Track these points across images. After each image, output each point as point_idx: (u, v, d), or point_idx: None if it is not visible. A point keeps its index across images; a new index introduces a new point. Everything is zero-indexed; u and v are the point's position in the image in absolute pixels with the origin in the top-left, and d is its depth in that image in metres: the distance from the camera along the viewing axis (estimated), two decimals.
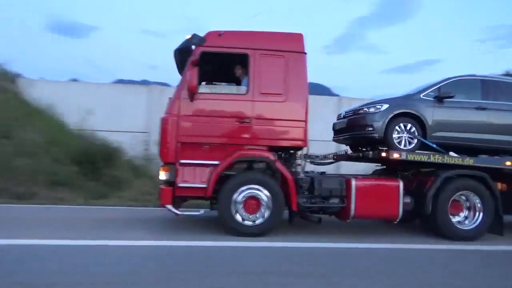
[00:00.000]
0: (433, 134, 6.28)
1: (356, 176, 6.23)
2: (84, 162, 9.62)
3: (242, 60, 5.92)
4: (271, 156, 5.78)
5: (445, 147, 6.39)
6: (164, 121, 5.69)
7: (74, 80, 15.56)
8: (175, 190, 5.58)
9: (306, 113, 5.86)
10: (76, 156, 9.72)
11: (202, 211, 5.77)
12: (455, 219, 6.07)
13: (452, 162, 6.19)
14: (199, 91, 5.62)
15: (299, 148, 6.11)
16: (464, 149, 6.51)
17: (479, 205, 6.04)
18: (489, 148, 6.57)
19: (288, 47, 5.98)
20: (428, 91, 6.47)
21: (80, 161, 9.64)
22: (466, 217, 6.17)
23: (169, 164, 5.66)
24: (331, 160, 7.46)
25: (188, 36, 5.80)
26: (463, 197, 6.13)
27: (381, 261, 4.64)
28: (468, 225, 6.10)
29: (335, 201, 5.89)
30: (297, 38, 6.07)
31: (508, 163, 6.27)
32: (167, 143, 5.67)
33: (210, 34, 5.95)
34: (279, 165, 5.81)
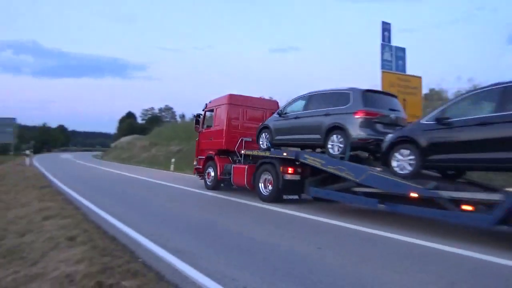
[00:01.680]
0: (275, 138, 9.51)
1: (237, 163, 10.82)
2: None
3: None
4: (213, 153, 11.56)
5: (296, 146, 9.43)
6: (196, 141, 13.09)
7: None
8: (197, 168, 12.66)
9: (225, 133, 11.10)
10: None
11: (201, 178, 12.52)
12: (263, 188, 9.39)
13: (262, 154, 9.69)
14: (198, 130, 12.82)
15: (228, 150, 11.21)
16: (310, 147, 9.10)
17: (271, 180, 9.09)
18: (310, 145, 8.95)
19: (223, 102, 11.44)
20: (279, 109, 9.87)
21: None
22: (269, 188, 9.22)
23: (196, 158, 12.81)
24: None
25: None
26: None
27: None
28: (266, 192, 9.26)
29: (230, 176, 10.66)
30: (227, 96, 11.36)
31: (284, 154, 8.93)
32: (196, 149, 12.92)
33: (208, 102, 12.38)
34: (216, 158, 11.38)
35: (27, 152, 27.70)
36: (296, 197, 9.23)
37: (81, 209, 7.69)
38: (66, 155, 48.84)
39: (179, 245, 4.95)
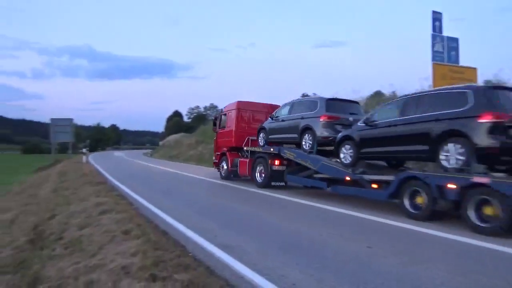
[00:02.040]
0: (269, 137, 11.59)
1: (241, 156, 13.05)
2: None
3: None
4: (226, 150, 13.70)
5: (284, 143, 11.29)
6: (214, 140, 15.41)
7: None
8: (215, 162, 14.99)
9: (234, 133, 13.26)
10: None
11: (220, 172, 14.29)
12: (258, 177, 11.56)
13: (257, 150, 11.90)
14: (216, 130, 15.09)
15: (237, 147, 13.30)
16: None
17: (263, 170, 11.24)
18: (292, 142, 10.78)
19: (233, 107, 13.62)
20: (272, 114, 11.96)
21: None
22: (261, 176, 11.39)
23: (214, 154, 15.12)
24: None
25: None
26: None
27: None
28: (260, 179, 11.40)
29: (237, 168, 12.80)
30: (236, 103, 13.56)
31: (271, 149, 11.06)
32: (214, 147, 15.26)
33: (223, 108, 14.85)
34: (227, 153, 13.54)
35: (84, 150, 29.39)
36: (282, 183, 11.15)
37: (134, 204, 8.06)
38: (118, 153, 51.37)
39: (227, 240, 5.03)
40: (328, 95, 10.51)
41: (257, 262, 4.15)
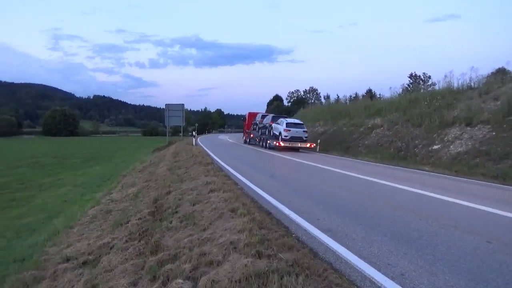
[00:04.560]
0: (253, 127, 32.13)
1: (246, 134, 33.16)
2: None
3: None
4: (246, 129, 33.11)
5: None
6: (243, 126, 36.34)
7: None
8: (243, 137, 36.65)
9: (247, 124, 33.26)
10: None
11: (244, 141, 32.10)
12: (248, 140, 31.82)
13: (247, 130, 33.83)
14: (244, 122, 35.73)
15: (247, 130, 33.11)
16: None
17: (247, 138, 32.03)
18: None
19: (247, 114, 34.57)
20: (255, 119, 32.04)
21: None
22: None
23: (243, 132, 36.63)
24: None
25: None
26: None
27: None
28: (246, 142, 32.18)
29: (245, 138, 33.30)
30: (248, 113, 34.36)
31: (249, 130, 32.35)
32: (245, 128, 35.02)
33: (247, 113, 35.80)
34: (245, 131, 33.89)
35: (194, 133, 31.82)
36: (252, 143, 28.85)
37: (239, 184, 8.48)
38: (222, 136, 54.44)
39: (331, 224, 5.00)
40: (441, 76, 9.69)
41: (362, 248, 4.06)
